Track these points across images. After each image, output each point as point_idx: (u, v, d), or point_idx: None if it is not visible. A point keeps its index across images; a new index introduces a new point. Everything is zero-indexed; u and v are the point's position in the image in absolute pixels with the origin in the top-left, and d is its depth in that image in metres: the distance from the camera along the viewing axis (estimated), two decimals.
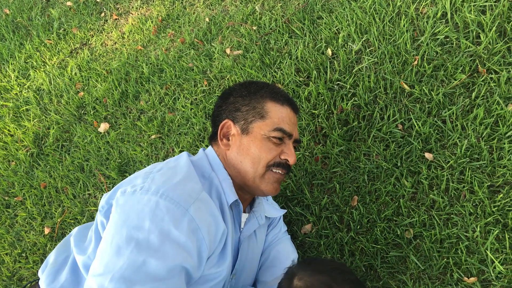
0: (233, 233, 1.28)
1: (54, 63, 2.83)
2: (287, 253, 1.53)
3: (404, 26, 1.94)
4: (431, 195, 1.57)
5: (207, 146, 2.02)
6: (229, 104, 1.35)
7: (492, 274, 1.38)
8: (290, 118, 1.35)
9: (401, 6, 2.01)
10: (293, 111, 1.38)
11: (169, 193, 1.06)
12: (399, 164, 1.67)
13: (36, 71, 2.84)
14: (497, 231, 1.42)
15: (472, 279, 1.39)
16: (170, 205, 1.04)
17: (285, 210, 1.57)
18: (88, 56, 2.75)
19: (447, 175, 1.58)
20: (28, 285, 1.36)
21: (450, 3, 1.90)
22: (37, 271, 1.98)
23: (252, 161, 1.27)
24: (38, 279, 1.32)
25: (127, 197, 1.08)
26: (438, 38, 1.86)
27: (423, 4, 1.97)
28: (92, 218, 2.06)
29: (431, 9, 1.94)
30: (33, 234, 2.13)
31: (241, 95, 1.35)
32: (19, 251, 2.11)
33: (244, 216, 1.38)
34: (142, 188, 1.08)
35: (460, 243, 1.46)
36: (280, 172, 1.31)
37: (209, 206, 1.14)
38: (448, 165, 1.60)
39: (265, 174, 1.29)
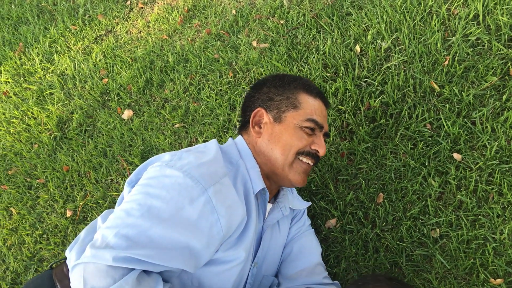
0: (257, 221, 1.29)
1: (79, 48, 2.85)
2: (310, 247, 1.53)
3: (435, 26, 1.93)
4: (458, 196, 1.57)
5: (230, 137, 2.03)
6: (263, 93, 1.38)
7: None
8: (321, 110, 1.37)
9: (432, 6, 2.00)
10: (324, 105, 1.42)
11: (192, 171, 1.09)
12: (426, 163, 1.66)
13: (60, 56, 2.86)
14: None
15: (499, 281, 1.39)
16: (190, 182, 1.07)
17: (310, 203, 1.57)
18: (113, 43, 2.76)
19: (475, 177, 1.58)
20: (54, 264, 1.38)
21: (483, 5, 1.88)
22: (58, 253, 2.00)
23: (283, 148, 1.29)
24: (65, 259, 1.34)
25: (153, 169, 1.13)
26: (469, 40, 1.85)
27: (455, 4, 1.96)
28: (114, 203, 2.08)
29: (463, 10, 1.93)
30: (54, 216, 2.15)
31: (275, 85, 1.38)
32: (40, 232, 2.13)
33: (268, 206, 1.40)
34: (168, 164, 1.12)
35: (488, 244, 1.46)
36: (309, 162, 1.33)
37: (229, 191, 1.15)
38: (477, 166, 1.59)
39: (293, 163, 1.31)
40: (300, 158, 1.31)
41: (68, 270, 1.27)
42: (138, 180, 1.21)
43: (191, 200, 1.06)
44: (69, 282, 1.23)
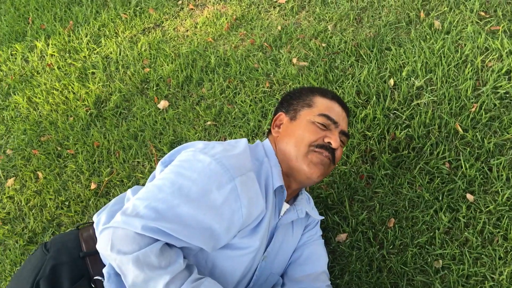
0: (272, 217, 1.38)
1: (126, 36, 3.00)
2: (318, 255, 1.61)
3: (468, 73, 2.04)
4: (465, 233, 1.66)
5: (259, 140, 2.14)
6: (284, 101, 1.57)
7: None
8: (337, 111, 1.49)
9: (468, 55, 2.12)
10: (342, 108, 1.52)
11: (223, 160, 1.21)
12: (440, 198, 1.76)
13: (107, 40, 3.01)
14: None
15: None
16: (220, 169, 1.19)
17: (323, 217, 1.65)
18: (160, 37, 2.91)
19: (484, 218, 1.67)
20: (81, 225, 1.48)
21: None
22: (77, 220, 2.11)
23: (296, 140, 1.40)
24: (91, 223, 1.44)
25: (187, 153, 1.26)
26: (498, 92, 1.96)
27: (490, 57, 2.08)
28: (137, 184, 2.19)
29: (497, 64, 2.04)
30: (79, 186, 2.26)
31: (295, 93, 1.56)
32: (63, 199, 2.24)
33: (285, 206, 1.48)
34: (202, 150, 1.25)
35: (486, 283, 1.54)
36: (323, 153, 1.39)
37: (253, 184, 1.26)
38: (487, 209, 1.68)
39: (308, 154, 1.39)
40: (315, 150, 1.39)
41: (94, 234, 1.37)
42: (171, 161, 1.34)
43: (218, 186, 1.18)
44: (94, 243, 1.33)
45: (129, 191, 1.45)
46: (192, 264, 1.20)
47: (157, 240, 1.09)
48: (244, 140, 1.41)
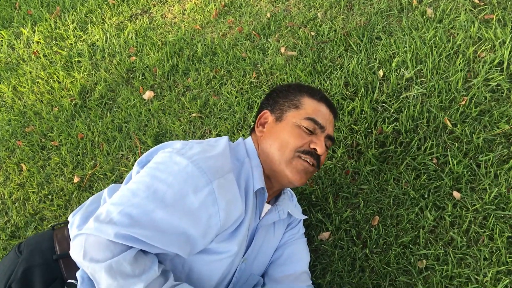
0: (252, 219, 1.34)
1: (113, 23, 2.93)
2: (300, 254, 1.58)
3: (459, 65, 1.98)
4: (450, 233, 1.62)
5: (243, 135, 2.09)
6: (271, 98, 1.48)
7: None
8: (324, 114, 1.42)
9: (460, 45, 2.05)
10: (329, 110, 1.45)
11: (200, 162, 1.16)
12: (426, 196, 1.72)
13: (94, 27, 2.94)
14: (507, 280, 1.46)
15: None
16: (197, 172, 1.14)
17: (306, 217, 1.62)
18: (147, 24, 2.83)
19: (470, 217, 1.62)
20: (57, 226, 1.45)
21: (509, 53, 1.92)
22: (59, 215, 2.08)
23: (280, 144, 1.34)
24: (66, 223, 1.41)
25: (163, 155, 1.21)
26: (489, 84, 1.89)
27: (483, 48, 2.01)
28: (121, 178, 2.15)
29: (489, 55, 1.98)
30: (62, 179, 2.23)
31: (282, 90, 1.48)
32: (46, 192, 2.21)
33: (267, 207, 1.44)
34: (179, 151, 1.20)
35: (469, 284, 1.50)
36: (308, 161, 1.34)
37: (232, 187, 1.21)
38: (473, 207, 1.64)
39: (292, 160, 1.34)
40: (300, 156, 1.34)
41: (68, 235, 1.33)
42: (148, 162, 1.29)
43: (195, 189, 1.13)
44: (68, 245, 1.30)
45: (105, 190, 1.41)
46: (168, 270, 1.16)
47: (131, 247, 1.06)
48: (225, 139, 1.36)
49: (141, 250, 1.09)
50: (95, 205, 1.41)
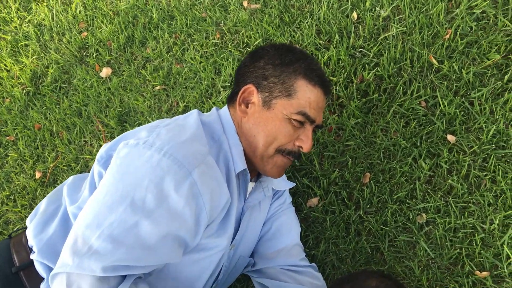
0: (237, 203, 1.20)
1: None
2: (289, 226, 1.46)
3: None
4: (449, 180, 1.48)
5: (214, 103, 1.91)
6: (258, 68, 1.23)
7: (506, 271, 1.31)
8: (318, 102, 1.23)
9: None
10: (324, 94, 1.26)
11: (173, 152, 0.98)
12: (418, 144, 1.56)
13: (38, 5, 2.67)
14: None
15: (484, 274, 1.32)
16: (173, 165, 0.96)
17: (294, 184, 1.47)
18: None
19: (469, 161, 1.48)
20: (13, 233, 1.28)
21: None
22: (25, 216, 1.90)
23: (266, 138, 1.18)
24: (26, 228, 1.24)
25: (129, 149, 1.00)
26: (474, 12, 1.71)
27: None
28: (86, 167, 1.97)
29: None
30: (23, 177, 2.04)
31: (273, 63, 1.22)
32: (7, 193, 2.02)
33: (250, 186, 1.31)
34: (146, 142, 1.00)
35: (476, 234, 1.37)
36: (289, 157, 1.23)
37: (214, 171, 1.06)
38: (471, 150, 1.50)
39: (274, 156, 1.21)
40: (282, 154, 1.21)
41: (26, 242, 1.17)
42: (110, 157, 1.10)
43: (176, 185, 0.95)
44: (28, 255, 1.15)
45: (64, 187, 1.24)
46: None
47: (125, 275, 0.91)
48: (195, 114, 1.17)
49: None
50: (54, 205, 1.25)
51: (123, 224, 0.90)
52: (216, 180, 1.06)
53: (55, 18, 2.55)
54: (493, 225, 1.37)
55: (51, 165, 2.01)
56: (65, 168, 1.99)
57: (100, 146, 1.99)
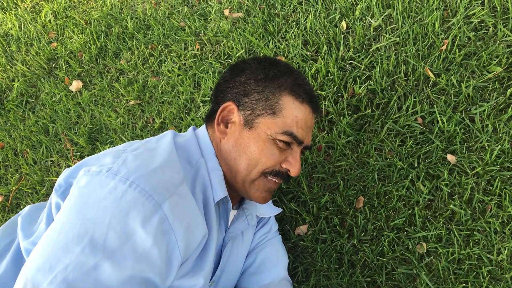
0: (217, 235, 1.05)
1: (27, 6, 2.50)
2: (276, 258, 1.32)
3: (433, 3, 1.68)
4: (451, 205, 1.34)
5: (192, 120, 1.76)
6: (239, 84, 1.10)
7: None
8: (306, 121, 1.09)
9: None
10: (313, 112, 1.13)
11: (141, 182, 0.83)
12: (415, 165, 1.43)
13: (5, 14, 2.50)
14: None
15: None
16: (140, 198, 0.82)
17: (281, 210, 1.33)
18: (66, 2, 2.42)
19: (471, 184, 1.36)
20: None
21: None
22: None
23: (248, 162, 1.05)
24: None
25: (89, 178, 0.86)
26: (471, 22, 1.60)
27: None
28: (52, 189, 1.79)
29: None
30: None
31: (256, 77, 1.09)
32: None
33: (232, 213, 1.17)
34: (110, 170, 0.86)
35: (482, 266, 1.24)
36: (275, 180, 1.09)
37: (189, 203, 0.92)
38: (473, 171, 1.37)
39: (257, 180, 1.08)
40: (267, 176, 1.08)
41: None
42: (69, 186, 0.94)
43: (143, 221, 0.81)
44: None
45: (19, 219, 1.09)
46: None
47: None
48: (169, 136, 1.03)
49: None
50: (7, 239, 1.10)
51: (80, 267, 0.76)
52: (191, 213, 0.91)
53: (23, 28, 2.38)
54: (501, 255, 1.24)
55: (14, 188, 1.83)
56: (30, 191, 1.81)
57: (68, 166, 1.82)
